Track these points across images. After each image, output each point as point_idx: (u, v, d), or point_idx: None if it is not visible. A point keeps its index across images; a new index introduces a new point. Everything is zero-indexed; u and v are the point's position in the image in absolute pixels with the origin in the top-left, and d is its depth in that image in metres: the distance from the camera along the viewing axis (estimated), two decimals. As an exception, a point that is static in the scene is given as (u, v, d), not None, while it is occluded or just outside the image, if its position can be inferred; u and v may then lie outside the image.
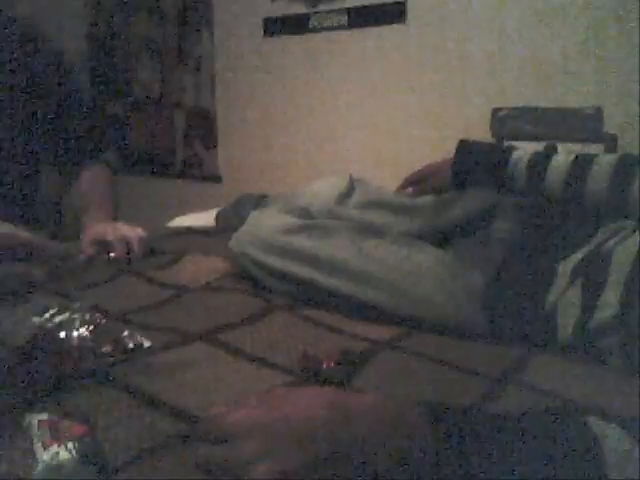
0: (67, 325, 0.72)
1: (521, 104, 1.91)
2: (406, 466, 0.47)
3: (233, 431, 0.50)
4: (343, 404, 0.50)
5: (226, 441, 0.50)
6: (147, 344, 0.78)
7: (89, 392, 0.65)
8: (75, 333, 0.73)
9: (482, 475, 0.46)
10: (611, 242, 0.87)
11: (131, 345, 0.77)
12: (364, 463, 0.47)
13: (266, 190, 1.58)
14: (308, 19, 2.37)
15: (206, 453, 0.51)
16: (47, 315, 0.72)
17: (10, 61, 1.28)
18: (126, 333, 0.78)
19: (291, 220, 1.06)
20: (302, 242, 1.00)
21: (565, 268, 0.88)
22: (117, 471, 0.52)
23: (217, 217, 1.56)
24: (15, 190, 1.36)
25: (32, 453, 0.52)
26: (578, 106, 1.81)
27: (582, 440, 0.48)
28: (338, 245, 0.99)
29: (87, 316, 0.75)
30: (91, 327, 0.74)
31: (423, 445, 0.47)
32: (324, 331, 0.89)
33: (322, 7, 2.33)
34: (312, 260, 0.98)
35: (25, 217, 1.36)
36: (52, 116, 1.38)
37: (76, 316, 0.75)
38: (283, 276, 1.01)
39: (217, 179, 2.79)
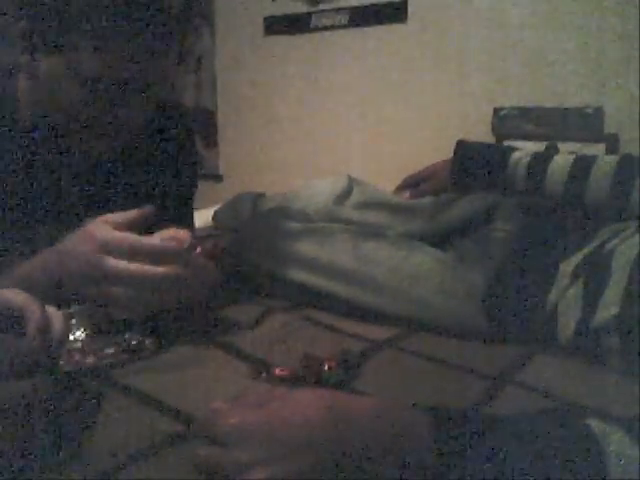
0: None
1: (522, 104, 1.91)
2: (406, 470, 0.47)
3: (230, 435, 0.49)
4: (342, 408, 0.50)
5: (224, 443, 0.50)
6: (149, 343, 0.78)
7: (89, 392, 0.65)
8: (72, 336, 0.74)
9: (483, 478, 0.46)
10: (612, 243, 0.87)
11: (134, 342, 0.77)
12: (364, 468, 0.47)
13: (266, 189, 1.58)
14: (309, 18, 2.37)
15: (203, 454, 0.51)
16: None
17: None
18: (127, 335, 0.79)
19: (289, 224, 1.06)
20: (301, 247, 1.00)
21: (566, 268, 0.88)
22: (117, 471, 0.52)
23: (214, 216, 1.56)
24: None
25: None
26: (579, 106, 1.81)
27: (583, 442, 0.47)
28: (337, 248, 0.98)
29: (85, 320, 0.76)
30: (88, 330, 0.75)
31: (423, 449, 0.47)
32: (324, 331, 0.89)
33: (323, 6, 2.33)
34: (311, 265, 0.98)
35: None
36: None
37: (74, 320, 0.75)
38: (282, 281, 1.01)
39: (218, 178, 2.79)
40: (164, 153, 1.08)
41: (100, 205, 0.88)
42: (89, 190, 0.98)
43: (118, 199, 0.99)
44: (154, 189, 1.05)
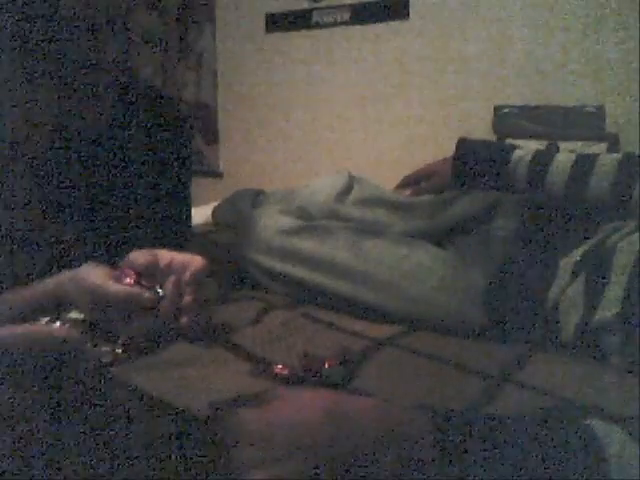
0: None
1: (523, 103, 1.91)
2: (406, 471, 0.47)
3: (231, 435, 0.49)
4: (342, 409, 0.50)
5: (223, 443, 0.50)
6: (147, 342, 0.78)
7: (89, 391, 0.65)
8: None
9: (483, 478, 0.46)
10: (613, 240, 0.87)
11: (132, 341, 0.77)
12: (364, 469, 0.47)
13: (266, 186, 1.58)
14: (311, 15, 2.37)
15: (202, 454, 0.51)
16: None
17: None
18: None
19: (290, 221, 1.06)
20: (301, 244, 1.00)
21: (567, 265, 0.88)
22: (117, 471, 0.52)
23: (213, 213, 1.56)
24: None
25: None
26: (580, 104, 1.81)
27: (584, 442, 0.47)
28: (337, 246, 0.98)
29: (79, 324, 0.76)
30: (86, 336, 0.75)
31: (424, 450, 0.47)
32: (324, 329, 0.89)
33: (325, 3, 2.33)
34: (312, 262, 0.98)
35: None
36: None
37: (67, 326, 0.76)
38: (282, 278, 1.01)
39: (218, 175, 2.79)
40: (152, 144, 1.06)
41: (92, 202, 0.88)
42: (80, 187, 0.98)
43: (108, 193, 0.99)
44: (144, 181, 1.04)
